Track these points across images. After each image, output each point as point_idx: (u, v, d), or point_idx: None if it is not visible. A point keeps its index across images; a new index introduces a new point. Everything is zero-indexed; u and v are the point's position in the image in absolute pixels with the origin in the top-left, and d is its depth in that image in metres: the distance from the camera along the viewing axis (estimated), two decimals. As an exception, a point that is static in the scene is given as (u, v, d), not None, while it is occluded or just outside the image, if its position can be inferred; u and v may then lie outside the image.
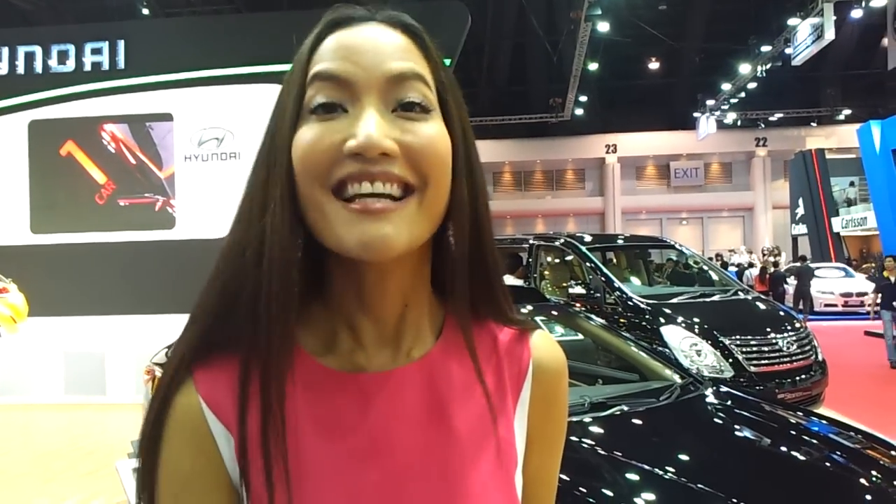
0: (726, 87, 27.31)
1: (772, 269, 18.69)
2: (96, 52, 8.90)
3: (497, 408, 0.75)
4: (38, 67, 8.96)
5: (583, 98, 29.93)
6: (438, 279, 0.76)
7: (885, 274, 9.89)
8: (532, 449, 0.79)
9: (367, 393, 0.70)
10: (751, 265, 22.27)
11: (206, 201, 8.57)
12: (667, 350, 6.10)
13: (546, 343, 0.82)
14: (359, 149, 0.63)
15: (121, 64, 8.84)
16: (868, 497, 2.65)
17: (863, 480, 2.71)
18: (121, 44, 8.84)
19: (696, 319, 6.53)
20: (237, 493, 0.69)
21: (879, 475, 2.70)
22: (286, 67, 0.73)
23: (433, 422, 0.71)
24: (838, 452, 2.95)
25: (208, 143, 8.66)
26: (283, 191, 0.66)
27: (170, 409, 0.68)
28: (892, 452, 2.93)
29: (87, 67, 8.90)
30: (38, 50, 8.94)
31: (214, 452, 0.68)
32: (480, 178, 0.74)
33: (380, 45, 0.68)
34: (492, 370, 0.77)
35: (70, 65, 8.92)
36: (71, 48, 8.91)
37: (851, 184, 24.55)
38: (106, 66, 8.85)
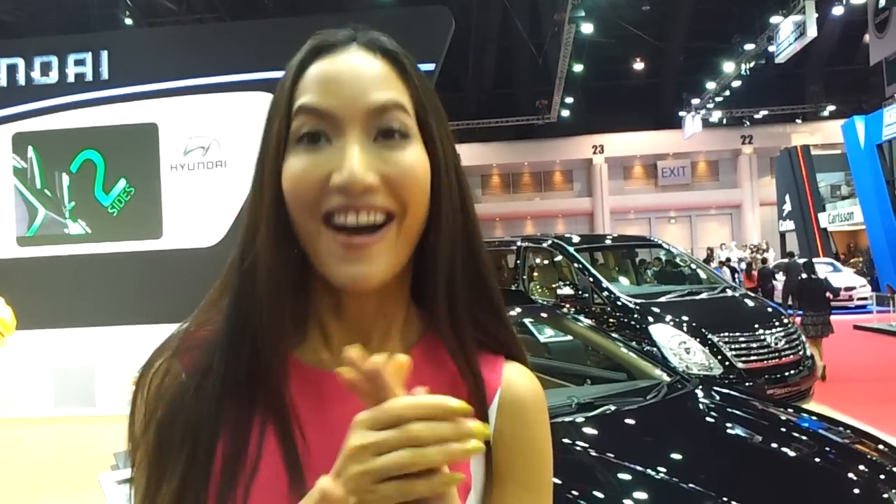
0: (711, 85, 27.46)
1: (760, 266, 18.78)
2: (79, 63, 8.86)
3: None
4: (21, 79, 8.91)
5: (569, 99, 30.01)
6: (425, 293, 0.77)
7: None
8: (504, 491, 0.76)
9: (322, 390, 0.73)
10: (735, 264, 22.29)
11: (192, 210, 8.55)
12: (656, 349, 6.12)
13: (520, 375, 0.80)
14: (343, 185, 0.67)
15: (104, 75, 8.80)
16: (856, 491, 2.66)
17: (851, 475, 2.72)
18: (104, 54, 8.81)
19: (684, 318, 6.55)
20: None
21: (867, 469, 2.72)
22: (270, 75, 0.76)
23: None
24: (827, 448, 2.97)
25: (194, 153, 8.64)
26: (269, 215, 0.70)
27: (151, 369, 0.75)
28: (880, 447, 2.95)
29: (71, 79, 8.86)
30: (20, 62, 8.90)
31: None
32: (466, 192, 0.77)
33: (360, 76, 0.71)
34: (454, 393, 0.74)
35: (53, 76, 8.88)
36: (54, 60, 8.87)
37: (848, 183, 24.66)
38: (89, 78, 8.81)
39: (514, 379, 0.79)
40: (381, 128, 0.70)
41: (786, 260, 18.87)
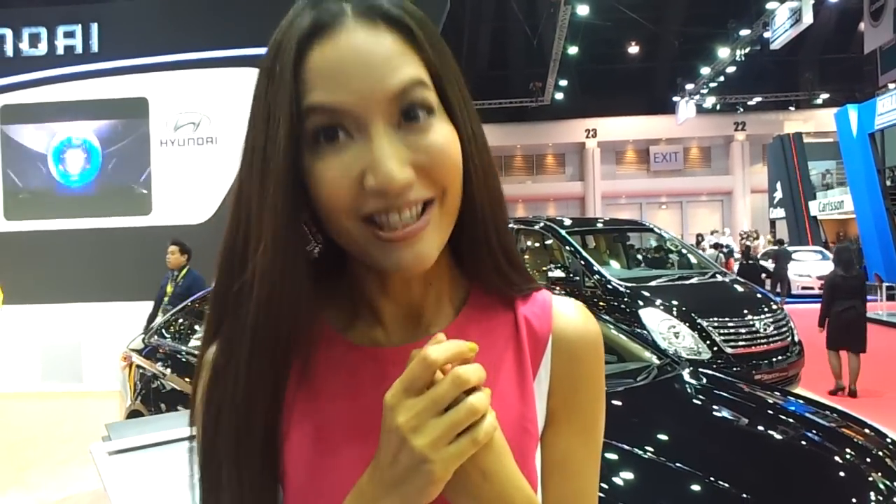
0: (705, 71, 27.42)
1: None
2: (69, 35, 8.76)
3: (518, 383, 0.75)
4: (9, 51, 8.80)
5: (563, 82, 29.92)
6: (459, 250, 0.77)
7: None
8: (557, 430, 0.76)
9: (384, 367, 0.72)
10: (727, 248, 22.27)
11: (182, 186, 8.49)
12: (645, 332, 6.14)
13: (572, 313, 0.79)
14: (380, 188, 0.63)
15: (95, 47, 8.71)
16: (842, 474, 2.68)
17: (837, 458, 2.74)
18: (94, 27, 8.71)
19: (674, 302, 6.56)
20: None
21: (853, 452, 2.74)
22: (263, 50, 0.70)
23: None
24: (814, 431, 2.99)
25: (185, 128, 8.57)
26: (276, 230, 0.66)
27: (204, 356, 0.74)
28: (866, 430, 2.97)
29: (60, 51, 8.75)
30: (8, 33, 8.79)
31: None
32: (488, 156, 0.74)
33: (369, 61, 0.64)
34: (513, 343, 0.77)
35: (42, 48, 8.77)
36: (43, 31, 8.76)
37: (839, 172, 24.69)
38: (79, 50, 8.72)
39: (567, 317, 0.79)
40: (403, 109, 0.65)
41: (775, 247, 18.94)
